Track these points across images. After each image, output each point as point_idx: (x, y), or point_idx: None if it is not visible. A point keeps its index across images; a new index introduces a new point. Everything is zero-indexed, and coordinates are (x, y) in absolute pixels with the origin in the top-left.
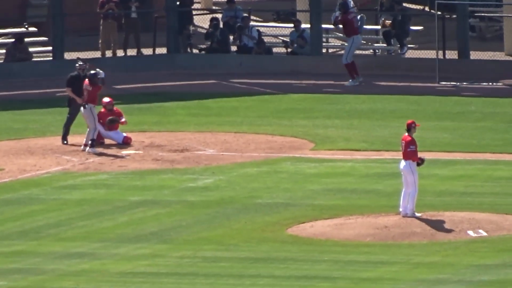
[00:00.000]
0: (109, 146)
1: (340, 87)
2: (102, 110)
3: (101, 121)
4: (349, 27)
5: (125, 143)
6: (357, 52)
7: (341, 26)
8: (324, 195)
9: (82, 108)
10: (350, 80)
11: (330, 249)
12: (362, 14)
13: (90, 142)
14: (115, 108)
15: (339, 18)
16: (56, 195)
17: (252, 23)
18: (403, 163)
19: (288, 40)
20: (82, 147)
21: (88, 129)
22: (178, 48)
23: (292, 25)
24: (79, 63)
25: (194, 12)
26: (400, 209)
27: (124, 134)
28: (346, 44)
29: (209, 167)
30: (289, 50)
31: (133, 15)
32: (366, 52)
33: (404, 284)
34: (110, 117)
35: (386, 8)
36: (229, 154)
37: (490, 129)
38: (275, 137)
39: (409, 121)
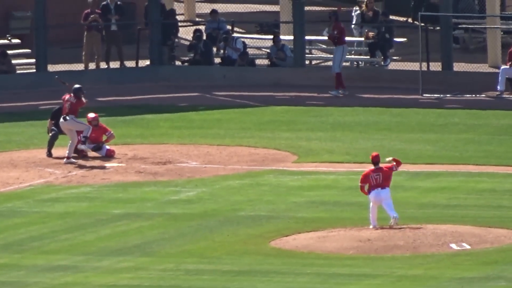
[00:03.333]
0: (92, 158)
1: (323, 100)
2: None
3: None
4: (342, 35)
5: (108, 156)
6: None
7: (335, 33)
8: (307, 207)
9: (62, 119)
10: (335, 90)
11: (313, 262)
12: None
13: (83, 139)
14: (100, 123)
15: (332, 29)
16: (39, 208)
17: (235, 34)
18: (384, 191)
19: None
20: (64, 160)
21: (70, 142)
22: (161, 60)
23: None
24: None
25: (178, 24)
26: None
27: (107, 147)
28: (331, 55)
29: (192, 180)
30: (270, 62)
31: (113, 27)
32: (349, 64)
33: None
34: (94, 145)
35: (369, 19)
36: (212, 166)
37: (473, 141)
38: (258, 149)
39: (375, 153)
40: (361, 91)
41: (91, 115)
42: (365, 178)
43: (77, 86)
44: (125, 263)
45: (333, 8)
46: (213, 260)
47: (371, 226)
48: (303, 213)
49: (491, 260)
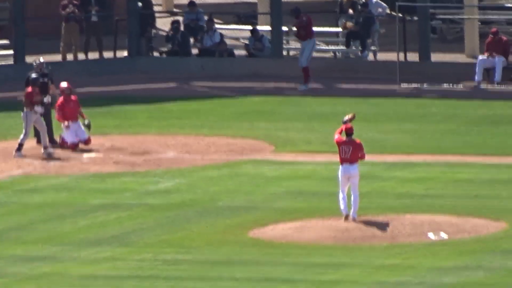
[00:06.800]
0: (70, 149)
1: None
2: (62, 97)
3: (66, 123)
4: (309, 29)
5: (86, 143)
6: (318, 54)
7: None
8: (285, 198)
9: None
10: (304, 84)
11: (291, 251)
12: None
13: (18, 145)
14: (73, 96)
15: (298, 23)
16: (17, 199)
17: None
18: (353, 167)
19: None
20: (42, 150)
21: (41, 133)
22: (139, 51)
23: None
24: (37, 61)
25: (155, 15)
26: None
27: (87, 135)
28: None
29: (170, 170)
30: (248, 53)
31: (94, 18)
32: (327, 54)
33: (365, 286)
34: (87, 123)
35: (346, 10)
36: (190, 157)
37: (451, 131)
38: (236, 139)
39: (349, 125)
40: (338, 82)
41: (64, 84)
42: (337, 144)
43: (33, 76)
44: (103, 254)
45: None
46: (191, 250)
47: (343, 214)
48: (281, 203)
49: (469, 249)
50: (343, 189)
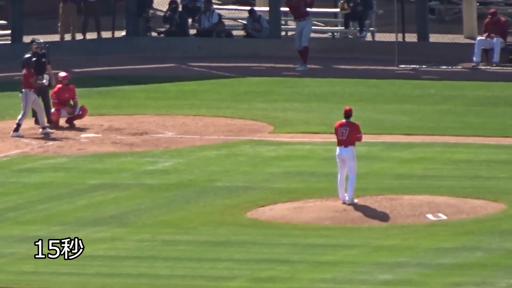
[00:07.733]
0: (68, 129)
1: (299, 71)
2: (59, 85)
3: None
4: (306, 7)
5: (83, 111)
6: (316, 35)
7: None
8: (283, 178)
9: (20, 93)
10: (303, 65)
11: (289, 232)
12: None
13: (15, 125)
14: (71, 85)
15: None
16: (15, 179)
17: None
18: (345, 150)
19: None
20: (40, 130)
21: (38, 113)
22: (137, 31)
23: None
24: (36, 41)
25: None
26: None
27: (79, 106)
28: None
29: (168, 150)
30: (246, 33)
31: None
32: (325, 35)
33: (363, 267)
34: (69, 103)
35: None
36: (188, 137)
37: (449, 112)
38: (234, 120)
39: (348, 107)
40: (336, 62)
41: (62, 73)
42: (335, 131)
43: (26, 56)
44: (101, 234)
45: None
46: (190, 230)
47: (341, 199)
48: (280, 183)
49: (468, 230)
50: (340, 173)
